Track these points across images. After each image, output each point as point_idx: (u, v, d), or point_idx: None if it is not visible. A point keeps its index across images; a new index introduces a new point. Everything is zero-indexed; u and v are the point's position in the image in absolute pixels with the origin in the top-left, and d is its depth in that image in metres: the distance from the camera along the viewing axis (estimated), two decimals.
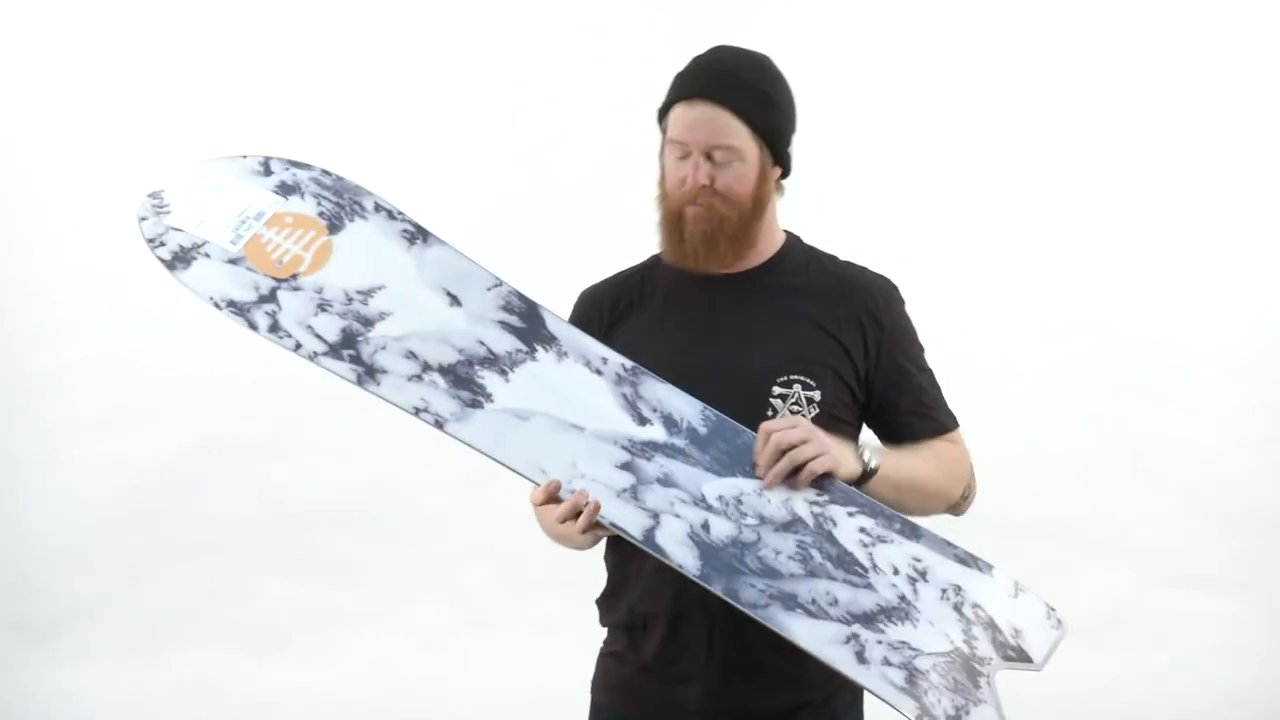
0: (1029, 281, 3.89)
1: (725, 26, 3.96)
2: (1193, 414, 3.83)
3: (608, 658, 1.87)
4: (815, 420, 1.72)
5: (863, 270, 1.87)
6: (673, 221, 1.77)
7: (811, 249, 1.89)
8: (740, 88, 1.78)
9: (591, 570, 1.95)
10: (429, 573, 3.80)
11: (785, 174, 1.88)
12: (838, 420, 1.76)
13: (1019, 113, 3.91)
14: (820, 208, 3.86)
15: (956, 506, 1.84)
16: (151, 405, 3.79)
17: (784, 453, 1.61)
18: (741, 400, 1.71)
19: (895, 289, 1.87)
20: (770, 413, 1.72)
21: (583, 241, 3.40)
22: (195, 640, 3.79)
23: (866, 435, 1.83)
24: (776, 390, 1.73)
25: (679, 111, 1.77)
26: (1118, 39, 3.90)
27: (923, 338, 4.14)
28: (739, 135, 1.77)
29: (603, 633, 1.90)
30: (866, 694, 1.61)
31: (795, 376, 1.73)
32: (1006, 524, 3.75)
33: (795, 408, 1.73)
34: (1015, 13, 3.92)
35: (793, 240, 1.89)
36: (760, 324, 1.78)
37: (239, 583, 3.82)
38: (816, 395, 1.73)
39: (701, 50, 1.88)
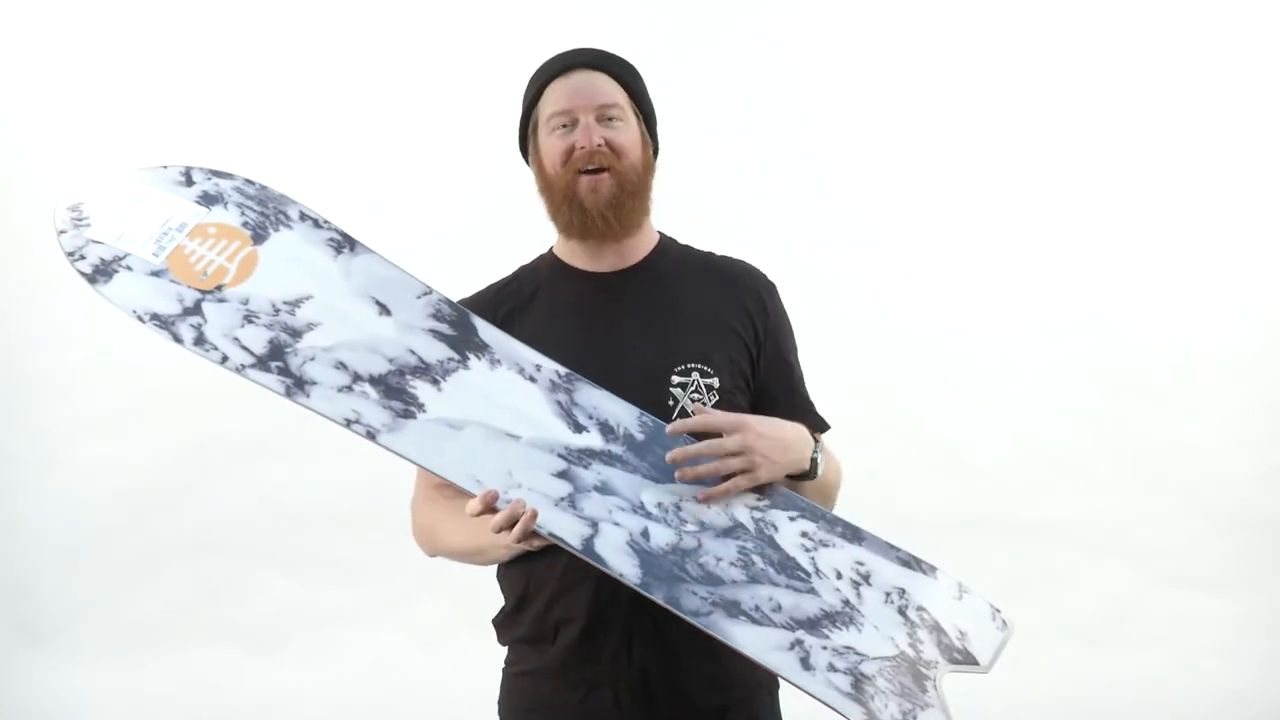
0: (1029, 281, 3.88)
1: (725, 27, 3.98)
2: (1193, 414, 3.83)
3: (516, 679, 1.80)
4: (715, 407, 1.71)
5: (741, 261, 1.86)
6: (568, 197, 1.74)
7: (686, 246, 1.87)
8: (610, 58, 1.80)
9: None
10: (428, 573, 3.75)
11: (655, 156, 1.84)
12: (735, 408, 1.74)
13: (1019, 114, 3.91)
14: (820, 208, 3.89)
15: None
16: (151, 406, 3.79)
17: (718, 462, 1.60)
18: (642, 393, 1.68)
19: (772, 281, 1.86)
20: (671, 402, 1.71)
21: None
22: (195, 640, 3.79)
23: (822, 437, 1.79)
24: (675, 379, 1.72)
25: (556, 87, 1.76)
26: (1118, 40, 3.90)
27: (923, 339, 4.13)
28: (621, 96, 1.77)
29: None
30: (783, 696, 1.59)
31: (693, 365, 1.72)
32: (1006, 524, 3.75)
33: (695, 395, 1.72)
34: (1016, 13, 3.92)
35: (667, 239, 1.87)
36: (651, 316, 1.76)
37: (238, 583, 3.82)
38: (715, 382, 1.72)
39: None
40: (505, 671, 1.84)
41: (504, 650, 1.87)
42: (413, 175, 3.89)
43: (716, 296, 1.79)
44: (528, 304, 1.80)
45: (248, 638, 3.80)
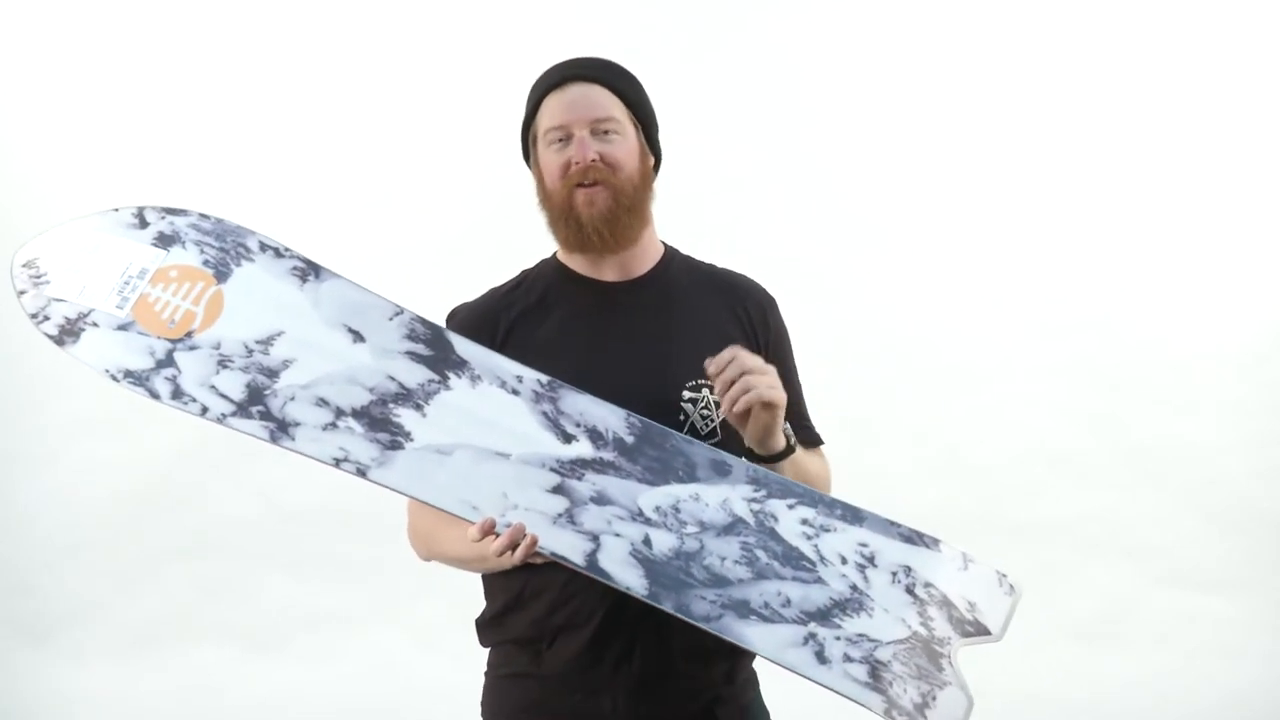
0: (1029, 281, 3.88)
1: (725, 28, 3.98)
2: (1192, 413, 3.83)
3: (504, 681, 1.78)
4: (722, 424, 1.71)
5: (743, 275, 1.86)
6: (564, 212, 1.73)
7: (689, 257, 1.87)
8: (607, 68, 1.78)
9: None
10: (428, 573, 3.74)
11: (657, 165, 1.83)
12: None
13: (1019, 114, 3.91)
14: (821, 208, 3.88)
15: None
16: (151, 405, 3.75)
17: (743, 374, 1.60)
18: (652, 408, 1.67)
19: (772, 296, 1.86)
20: (682, 417, 1.70)
21: None
22: (195, 641, 3.79)
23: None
24: (686, 395, 1.71)
25: (551, 101, 1.74)
26: (1117, 39, 3.90)
27: (923, 340, 4.13)
28: (617, 108, 1.75)
29: None
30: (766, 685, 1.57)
31: (703, 381, 1.70)
32: (1006, 524, 3.75)
33: (705, 411, 1.71)
34: (1016, 13, 3.92)
35: (671, 250, 1.86)
36: (661, 330, 1.75)
37: (239, 583, 3.82)
38: None
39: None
40: (490, 674, 1.82)
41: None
42: (412, 179, 3.88)
43: (722, 312, 1.79)
44: (536, 308, 1.78)
45: (248, 638, 3.79)
